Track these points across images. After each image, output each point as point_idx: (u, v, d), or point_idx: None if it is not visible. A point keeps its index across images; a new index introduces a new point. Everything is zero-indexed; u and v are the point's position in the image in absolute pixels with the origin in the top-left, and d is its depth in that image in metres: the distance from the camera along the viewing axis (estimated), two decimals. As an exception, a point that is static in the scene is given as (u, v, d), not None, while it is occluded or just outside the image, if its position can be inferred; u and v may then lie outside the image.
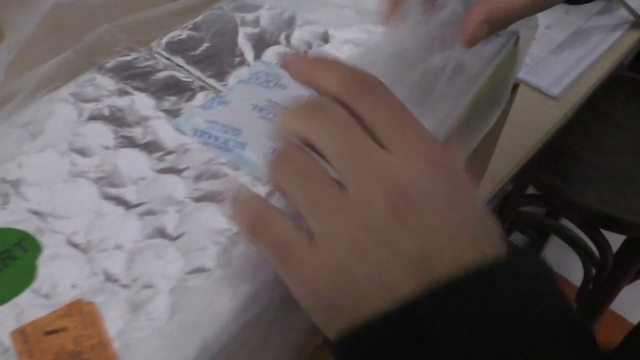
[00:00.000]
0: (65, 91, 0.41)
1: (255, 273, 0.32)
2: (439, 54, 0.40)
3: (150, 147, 0.38)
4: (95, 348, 0.29)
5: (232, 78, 0.43)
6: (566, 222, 1.24)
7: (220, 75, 0.43)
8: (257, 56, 0.45)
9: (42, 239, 0.33)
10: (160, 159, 0.37)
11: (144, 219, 0.34)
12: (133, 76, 0.42)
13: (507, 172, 0.72)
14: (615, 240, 1.17)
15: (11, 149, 0.38)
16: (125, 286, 0.32)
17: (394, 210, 0.26)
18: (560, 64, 0.85)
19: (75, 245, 0.33)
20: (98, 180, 0.36)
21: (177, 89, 0.42)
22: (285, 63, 0.32)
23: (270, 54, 0.45)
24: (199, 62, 0.44)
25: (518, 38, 0.49)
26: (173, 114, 0.40)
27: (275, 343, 0.35)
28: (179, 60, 0.44)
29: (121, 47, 0.45)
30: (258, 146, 0.37)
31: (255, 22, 0.48)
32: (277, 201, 0.32)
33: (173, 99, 0.41)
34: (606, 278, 1.24)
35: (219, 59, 0.44)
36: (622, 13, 0.91)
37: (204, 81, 0.43)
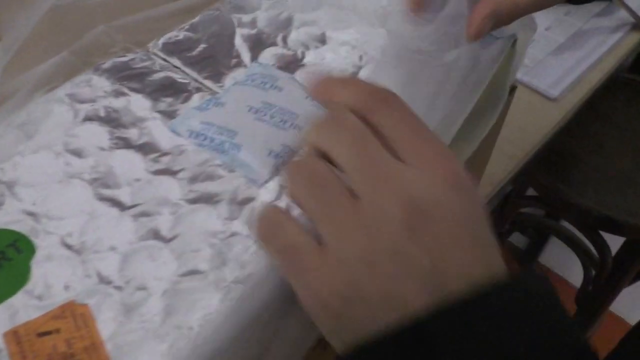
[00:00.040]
0: (61, 92, 0.41)
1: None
2: (448, 53, 0.40)
3: (146, 149, 0.38)
4: (88, 350, 0.29)
5: (229, 79, 0.43)
6: (566, 223, 1.24)
7: (217, 76, 0.43)
8: (254, 57, 0.45)
9: (36, 240, 0.33)
10: (155, 160, 0.37)
11: (138, 220, 0.34)
12: (129, 77, 0.42)
13: (506, 174, 0.72)
14: (615, 242, 1.17)
15: (6, 149, 0.38)
16: (118, 288, 0.32)
17: (407, 224, 0.26)
18: (559, 65, 0.84)
19: (69, 247, 0.33)
20: (93, 182, 0.36)
21: (173, 90, 0.42)
22: (306, 84, 0.32)
23: (267, 55, 0.45)
24: (196, 63, 0.44)
25: (516, 40, 0.49)
26: (169, 115, 0.40)
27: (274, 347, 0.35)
28: (176, 62, 0.44)
29: (118, 47, 0.45)
30: (253, 148, 0.37)
31: (253, 23, 0.48)
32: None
33: (169, 100, 0.41)
34: (605, 280, 1.24)
35: (215, 60, 0.44)
36: (623, 14, 0.91)
37: (200, 82, 0.43)
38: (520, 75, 0.82)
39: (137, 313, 0.31)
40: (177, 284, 0.32)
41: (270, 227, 0.29)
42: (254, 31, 0.47)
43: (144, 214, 0.35)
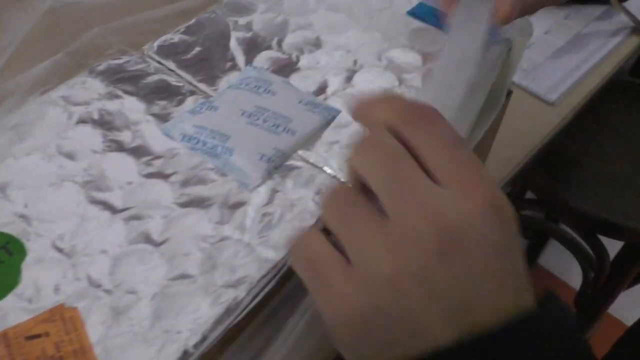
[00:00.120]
0: (55, 94, 0.41)
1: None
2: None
3: (138, 152, 0.38)
4: (77, 353, 0.29)
5: (223, 83, 0.43)
6: (565, 226, 1.24)
7: (211, 79, 0.43)
8: (249, 61, 0.45)
9: (28, 243, 0.34)
10: (147, 163, 0.38)
11: (129, 223, 0.35)
12: (123, 80, 0.42)
13: (503, 177, 0.72)
14: (614, 245, 1.17)
15: (0, 151, 0.38)
16: (108, 291, 0.32)
17: (438, 248, 0.24)
18: (558, 69, 0.84)
19: (59, 250, 0.33)
20: (85, 184, 0.36)
21: (167, 93, 0.42)
22: (349, 108, 0.31)
23: (262, 59, 0.45)
24: (190, 66, 0.44)
25: (512, 45, 0.49)
26: (162, 118, 0.40)
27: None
28: (170, 64, 0.44)
29: (113, 50, 0.45)
30: (245, 152, 0.38)
31: (248, 26, 0.48)
32: None
33: (163, 103, 0.41)
34: (604, 283, 1.23)
35: (210, 64, 0.44)
36: (622, 19, 0.91)
37: (194, 85, 0.43)
38: (518, 79, 0.82)
39: (126, 317, 0.31)
40: (166, 288, 0.32)
41: (299, 240, 0.28)
42: (249, 34, 0.47)
43: (135, 218, 0.35)
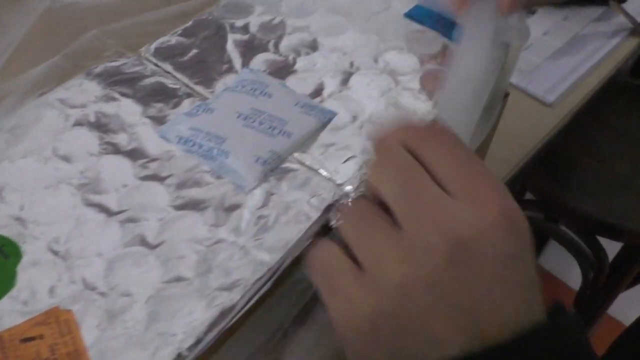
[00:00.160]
0: (52, 96, 0.41)
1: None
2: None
3: (135, 154, 0.38)
4: (71, 356, 0.29)
5: (219, 85, 0.43)
6: (565, 227, 1.24)
7: (208, 82, 0.43)
8: (245, 63, 0.45)
9: (23, 245, 0.34)
10: (143, 166, 0.38)
11: (124, 226, 0.35)
12: (120, 82, 0.43)
13: (502, 178, 0.72)
14: (614, 246, 1.16)
15: (-4, 153, 0.38)
16: (103, 294, 0.32)
17: (450, 257, 0.25)
18: (556, 70, 0.84)
19: (55, 252, 0.33)
20: (81, 187, 0.36)
21: (164, 95, 0.42)
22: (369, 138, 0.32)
23: (258, 61, 0.45)
24: (187, 68, 0.44)
25: (509, 47, 0.49)
26: (159, 120, 0.40)
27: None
28: (167, 67, 0.44)
29: (110, 52, 0.45)
30: (241, 154, 0.38)
31: (245, 28, 0.48)
32: None
33: (159, 105, 0.41)
34: (603, 284, 1.23)
35: (207, 66, 0.45)
36: (621, 20, 0.91)
37: (191, 88, 0.43)
38: (516, 80, 0.81)
39: (120, 319, 0.31)
40: (161, 290, 0.32)
41: (316, 249, 0.29)
42: (246, 37, 0.47)
43: (131, 220, 0.35)
